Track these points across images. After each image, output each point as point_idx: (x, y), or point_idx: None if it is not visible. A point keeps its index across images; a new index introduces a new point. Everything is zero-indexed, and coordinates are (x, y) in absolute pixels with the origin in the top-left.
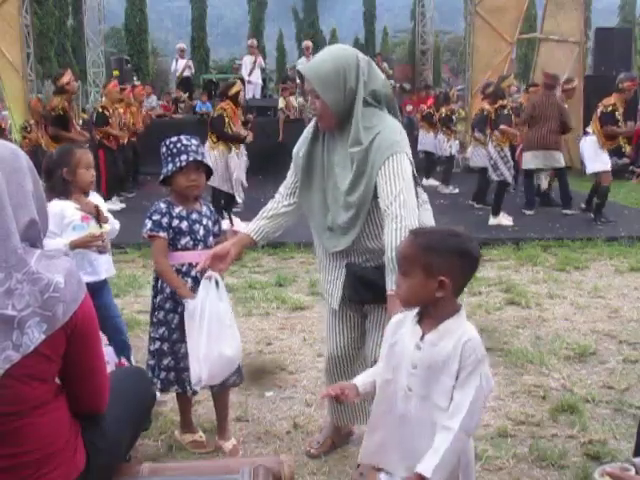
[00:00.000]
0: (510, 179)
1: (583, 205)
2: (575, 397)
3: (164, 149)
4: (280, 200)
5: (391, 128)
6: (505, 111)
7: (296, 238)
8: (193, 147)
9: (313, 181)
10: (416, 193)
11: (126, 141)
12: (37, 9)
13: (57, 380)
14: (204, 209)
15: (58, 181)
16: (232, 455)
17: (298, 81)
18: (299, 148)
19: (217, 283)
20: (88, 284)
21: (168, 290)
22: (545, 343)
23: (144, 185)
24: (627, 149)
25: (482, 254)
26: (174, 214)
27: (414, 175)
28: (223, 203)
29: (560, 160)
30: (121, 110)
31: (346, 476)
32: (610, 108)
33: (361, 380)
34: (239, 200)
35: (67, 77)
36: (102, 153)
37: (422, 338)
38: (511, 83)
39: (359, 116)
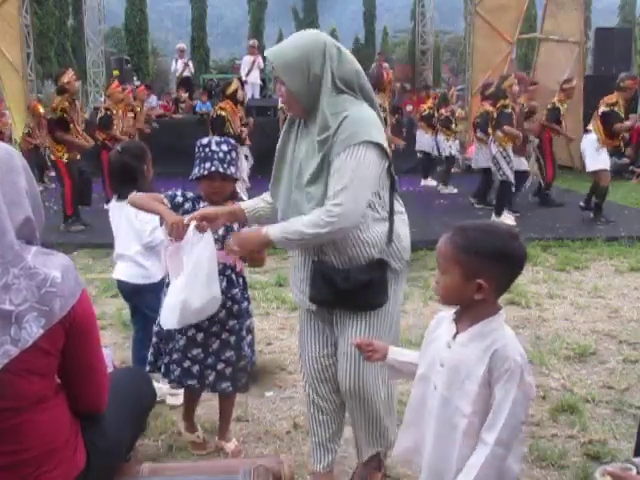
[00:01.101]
0: (512, 179)
1: (582, 204)
2: (575, 397)
3: (196, 149)
4: (265, 196)
5: (360, 115)
6: (507, 111)
7: None
8: (220, 155)
9: (282, 174)
10: (390, 200)
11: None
12: (37, 9)
13: (57, 378)
14: None
15: (140, 178)
16: (234, 456)
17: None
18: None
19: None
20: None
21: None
22: (545, 343)
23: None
24: (627, 150)
25: (526, 252)
26: (197, 208)
27: (391, 176)
28: None
29: (521, 164)
30: (120, 112)
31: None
32: (612, 107)
33: (397, 351)
34: (245, 199)
35: (67, 76)
36: (105, 154)
37: (454, 337)
38: (512, 83)
39: (324, 102)
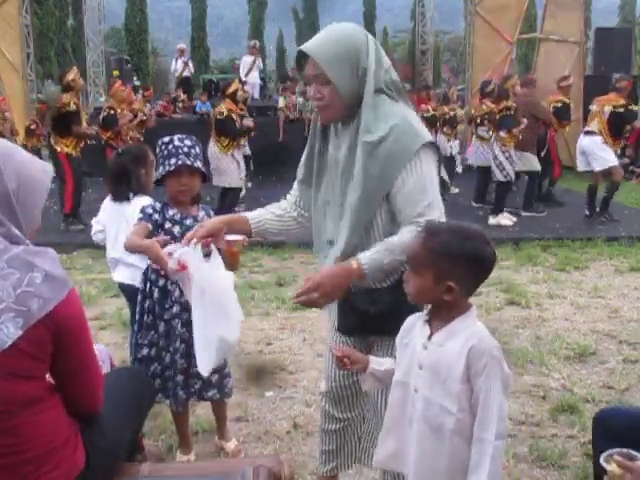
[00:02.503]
0: (513, 179)
1: (587, 212)
2: (575, 397)
3: (157, 150)
4: (285, 205)
5: (408, 119)
6: (511, 112)
7: (296, 238)
8: (185, 149)
9: (320, 187)
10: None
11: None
12: (37, 9)
13: (49, 378)
14: (201, 214)
15: (135, 181)
16: (234, 456)
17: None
18: (312, 147)
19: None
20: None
21: (157, 294)
22: (545, 343)
23: None
24: (627, 150)
25: (497, 255)
26: (167, 216)
27: (439, 173)
28: (229, 202)
29: (529, 162)
30: (125, 110)
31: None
32: (622, 108)
33: (377, 360)
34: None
35: (73, 74)
36: (109, 153)
37: (429, 338)
38: (515, 83)
39: (370, 102)
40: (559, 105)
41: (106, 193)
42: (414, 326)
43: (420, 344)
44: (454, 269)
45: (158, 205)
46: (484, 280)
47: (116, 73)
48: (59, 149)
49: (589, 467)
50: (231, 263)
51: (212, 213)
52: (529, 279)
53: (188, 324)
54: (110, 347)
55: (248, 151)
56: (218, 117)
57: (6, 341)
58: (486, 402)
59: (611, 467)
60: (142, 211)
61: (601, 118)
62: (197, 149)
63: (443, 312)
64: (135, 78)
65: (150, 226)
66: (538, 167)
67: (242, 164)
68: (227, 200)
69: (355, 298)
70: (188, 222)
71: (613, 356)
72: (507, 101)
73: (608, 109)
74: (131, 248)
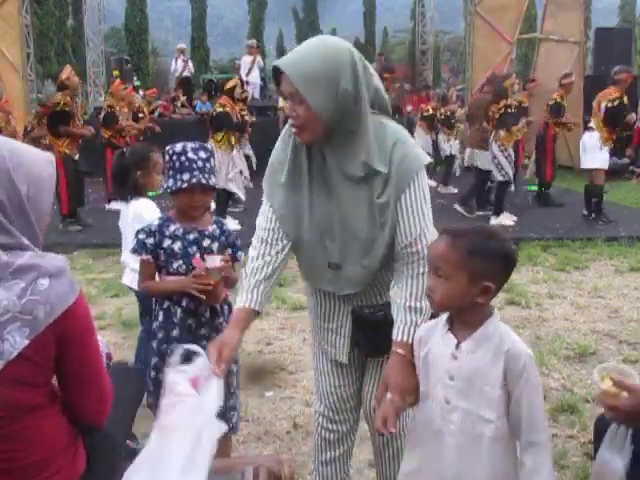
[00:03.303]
0: (512, 179)
1: (585, 212)
2: (575, 397)
3: (167, 158)
4: (268, 251)
5: (406, 137)
6: (511, 110)
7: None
8: (199, 163)
9: (302, 205)
10: None
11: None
12: (37, 9)
13: (54, 382)
14: (211, 228)
15: (131, 182)
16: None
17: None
18: (276, 162)
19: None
20: None
21: (161, 317)
22: (545, 343)
23: None
24: (627, 150)
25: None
26: (167, 233)
27: None
28: (222, 204)
29: (484, 161)
30: (125, 109)
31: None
32: (617, 101)
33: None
34: (243, 198)
35: (66, 73)
36: (109, 152)
37: (457, 347)
38: (513, 82)
39: (369, 126)
40: (551, 103)
41: (105, 193)
42: (431, 336)
43: (448, 354)
44: (488, 267)
45: (154, 225)
46: (509, 278)
47: (116, 73)
48: (54, 149)
49: (589, 467)
50: (210, 295)
51: (226, 226)
52: (529, 279)
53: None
54: (110, 347)
55: (249, 150)
56: (214, 114)
57: (12, 352)
58: (531, 404)
59: (605, 385)
60: (136, 237)
61: (598, 114)
62: (212, 161)
63: (469, 317)
64: (135, 78)
65: (150, 258)
66: (487, 166)
67: (242, 167)
68: (221, 203)
69: (380, 318)
70: (191, 237)
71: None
72: (506, 100)
73: (604, 105)
74: (154, 295)
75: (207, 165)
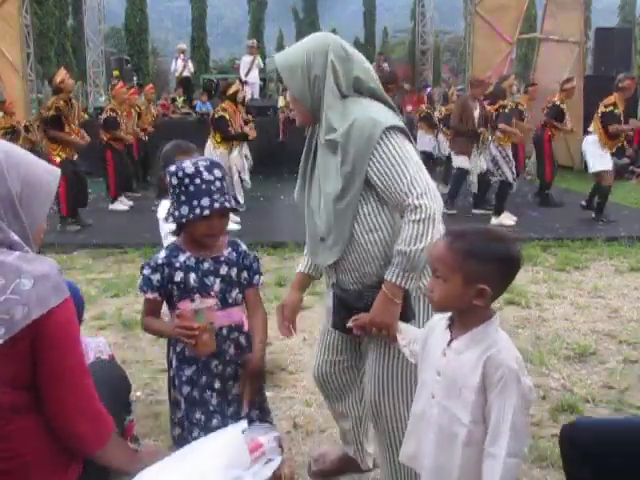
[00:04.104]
0: (512, 179)
1: (583, 203)
2: (575, 397)
3: (175, 180)
4: None
5: (368, 110)
6: (506, 110)
7: (296, 238)
8: (217, 184)
9: (305, 186)
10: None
11: (134, 142)
12: (37, 9)
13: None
14: (226, 252)
15: (158, 182)
16: None
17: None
18: (306, 151)
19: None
20: None
21: (175, 363)
22: (545, 343)
23: (151, 185)
24: (627, 150)
25: (522, 255)
26: (178, 264)
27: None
28: None
29: (461, 162)
30: (125, 112)
31: (346, 476)
32: (610, 108)
33: (405, 337)
34: (241, 200)
35: (60, 76)
36: (109, 155)
37: (449, 344)
38: (512, 83)
39: (326, 104)
40: (549, 105)
41: (111, 193)
42: (436, 327)
43: (440, 349)
44: (485, 270)
45: (160, 257)
46: (511, 281)
47: (116, 73)
48: (49, 153)
49: None
50: (197, 343)
51: (242, 246)
52: (529, 279)
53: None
54: (111, 348)
55: (246, 150)
56: (215, 116)
57: None
58: (499, 416)
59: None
60: (141, 273)
61: (597, 119)
62: (227, 178)
63: (467, 319)
64: (135, 78)
65: (158, 296)
66: (465, 166)
67: (241, 167)
68: None
69: (346, 295)
70: (206, 265)
71: (613, 356)
72: (503, 100)
73: (601, 109)
74: (152, 334)
75: (224, 184)
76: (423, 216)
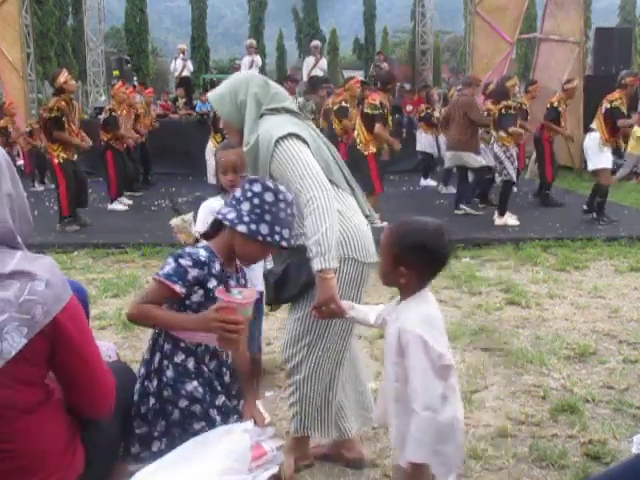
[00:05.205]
0: (515, 179)
1: (585, 207)
2: (575, 397)
3: (269, 198)
4: None
5: (267, 125)
6: (511, 111)
7: None
8: (293, 220)
9: None
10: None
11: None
12: (37, 9)
13: (48, 382)
14: (241, 273)
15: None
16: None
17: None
18: None
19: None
20: None
21: (171, 373)
22: (545, 343)
23: (150, 185)
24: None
25: (453, 248)
26: (214, 271)
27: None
28: None
29: (470, 161)
30: (124, 112)
31: (346, 476)
32: (616, 103)
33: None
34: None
35: (64, 76)
36: (110, 155)
37: (390, 314)
38: (515, 83)
39: (247, 122)
40: (548, 106)
41: (111, 193)
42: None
43: (389, 319)
44: (406, 256)
45: (202, 255)
46: (440, 268)
47: (116, 73)
48: (50, 153)
49: (589, 467)
50: (233, 339)
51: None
52: (529, 279)
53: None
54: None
55: None
56: (215, 115)
57: (11, 351)
58: (410, 376)
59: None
60: (176, 261)
61: (600, 115)
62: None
63: (402, 293)
64: (135, 78)
65: (182, 292)
66: (477, 164)
67: None
68: None
69: (267, 275)
70: (232, 283)
71: (613, 356)
72: (507, 101)
73: (605, 106)
74: (151, 323)
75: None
76: (314, 206)
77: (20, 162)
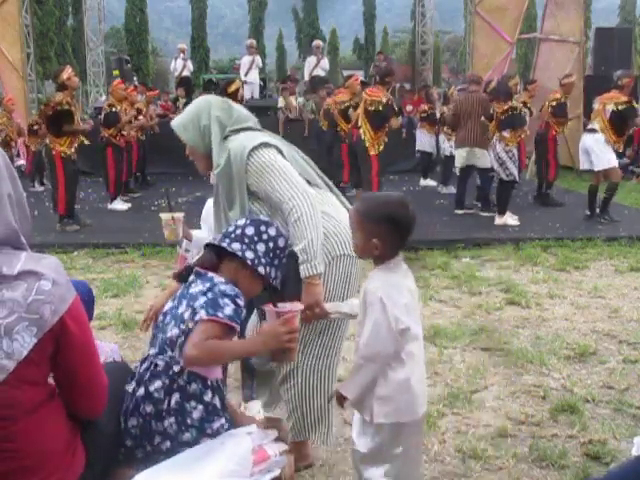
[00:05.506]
0: (518, 178)
1: (588, 212)
2: (575, 397)
3: (281, 243)
4: None
5: (243, 137)
6: (517, 112)
7: None
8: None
9: (222, 221)
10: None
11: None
12: (37, 9)
13: (51, 381)
14: None
15: None
16: None
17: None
18: None
19: None
20: None
21: (197, 414)
22: (545, 343)
23: (149, 186)
24: (627, 151)
25: (413, 216)
26: (241, 302)
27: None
28: None
29: (483, 159)
30: (125, 109)
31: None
32: (623, 106)
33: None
34: None
35: (67, 72)
36: (110, 151)
37: None
38: (517, 82)
39: (214, 145)
40: (554, 104)
41: (110, 191)
42: None
43: None
44: (377, 228)
45: (237, 290)
46: (407, 237)
47: (116, 73)
48: (54, 149)
49: (589, 467)
50: (292, 350)
51: None
52: (529, 279)
53: None
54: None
55: None
56: None
57: (22, 351)
58: (364, 331)
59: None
60: (235, 302)
61: (602, 116)
62: None
63: (376, 264)
64: (135, 78)
65: (237, 328)
66: (489, 164)
67: None
68: None
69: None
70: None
71: (613, 356)
72: (511, 101)
73: (610, 107)
74: (225, 359)
75: None
76: (298, 215)
77: (20, 162)
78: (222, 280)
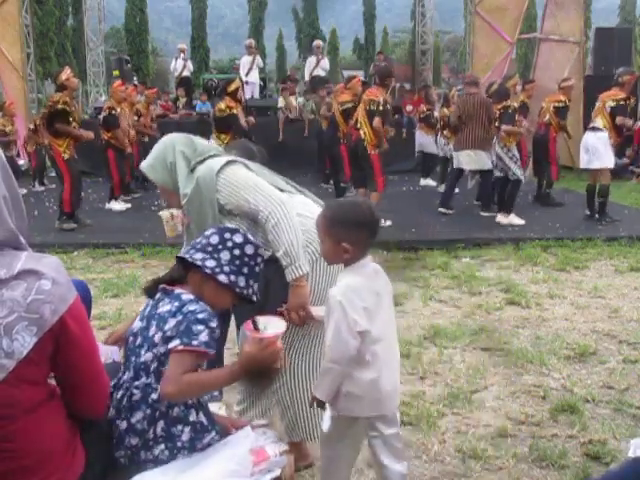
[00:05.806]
0: (522, 177)
1: (587, 212)
2: (575, 397)
3: (249, 250)
4: None
5: (209, 163)
6: (510, 111)
7: None
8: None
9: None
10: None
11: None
12: (37, 9)
13: (51, 382)
14: None
15: None
16: None
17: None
18: None
19: None
20: None
21: (186, 436)
22: (545, 343)
23: (149, 186)
24: (627, 150)
25: (378, 218)
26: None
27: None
28: None
29: (484, 161)
30: (127, 110)
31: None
32: (622, 102)
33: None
34: None
35: (66, 73)
36: (111, 153)
37: None
38: (516, 82)
39: (180, 180)
40: (559, 105)
41: (112, 191)
42: None
43: None
44: (346, 233)
45: (208, 309)
46: (372, 239)
47: (116, 73)
48: (53, 154)
49: (589, 467)
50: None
51: None
52: (529, 279)
53: None
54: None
55: None
56: (218, 114)
57: (22, 351)
58: (327, 335)
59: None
60: (209, 327)
61: (604, 114)
62: None
63: (345, 266)
64: (135, 78)
65: (213, 353)
66: (489, 166)
67: None
68: None
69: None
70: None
71: (613, 356)
72: (507, 101)
73: (609, 104)
74: (204, 390)
75: None
76: (275, 221)
77: (21, 162)
78: (190, 297)
